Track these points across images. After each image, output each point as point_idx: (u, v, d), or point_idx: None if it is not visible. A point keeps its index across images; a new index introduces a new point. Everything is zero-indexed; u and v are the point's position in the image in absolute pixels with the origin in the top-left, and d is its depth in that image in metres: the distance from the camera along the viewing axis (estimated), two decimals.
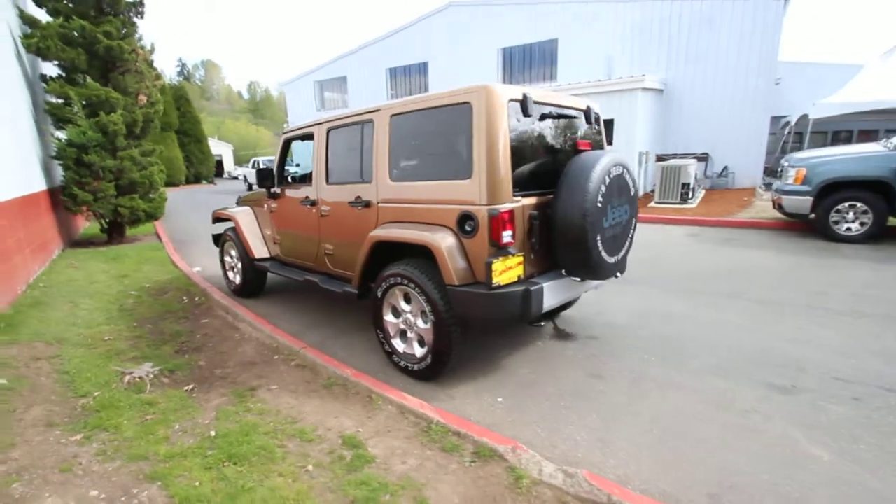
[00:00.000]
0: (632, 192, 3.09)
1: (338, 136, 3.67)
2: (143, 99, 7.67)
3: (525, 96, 2.74)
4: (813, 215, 6.68)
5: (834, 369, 3.06)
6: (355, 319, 4.32)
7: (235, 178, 40.61)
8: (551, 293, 2.83)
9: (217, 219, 5.47)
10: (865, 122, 17.97)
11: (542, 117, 2.94)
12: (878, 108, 12.32)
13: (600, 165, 2.74)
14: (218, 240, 5.49)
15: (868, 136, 21.00)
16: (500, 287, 2.62)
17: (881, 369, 3.01)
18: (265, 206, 4.70)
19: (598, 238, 2.77)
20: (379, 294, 3.19)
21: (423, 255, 3.06)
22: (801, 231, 7.29)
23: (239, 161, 47.22)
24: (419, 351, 3.07)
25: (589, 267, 2.82)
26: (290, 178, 4.64)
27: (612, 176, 2.83)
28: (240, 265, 5.01)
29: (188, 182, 27.60)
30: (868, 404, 2.66)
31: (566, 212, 2.71)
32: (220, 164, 40.37)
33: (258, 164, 22.62)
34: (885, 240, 6.40)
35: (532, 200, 2.81)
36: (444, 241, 2.72)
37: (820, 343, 3.45)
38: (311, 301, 4.94)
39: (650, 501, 1.90)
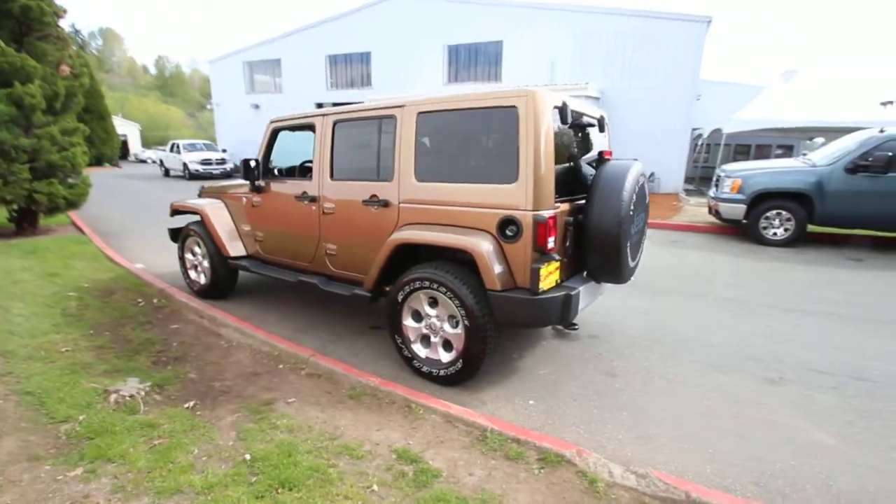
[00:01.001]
0: (647, 200, 3.26)
1: (348, 130, 3.45)
2: (65, 69, 6.65)
3: (564, 104, 2.77)
4: (745, 221, 7.48)
5: (807, 362, 3.47)
6: (351, 322, 4.12)
7: (144, 161, 36.74)
8: (583, 297, 2.90)
9: (176, 211, 4.92)
10: (762, 137, 20.51)
11: (571, 125, 2.99)
12: (779, 127, 14.12)
13: (631, 174, 2.85)
14: (176, 235, 4.93)
15: (762, 150, 24.03)
16: (543, 292, 2.63)
17: (846, 361, 3.46)
18: (243, 199, 4.30)
19: (628, 244, 2.88)
20: (400, 298, 3.06)
21: (452, 259, 2.99)
22: (733, 235, 8.15)
23: (147, 142, 42.70)
24: (445, 356, 3.00)
25: (617, 272, 2.93)
26: (276, 171, 4.29)
27: (639, 184, 2.96)
28: (207, 264, 4.54)
29: (89, 165, 24.50)
30: (846, 392, 3.04)
31: (602, 218, 2.78)
32: (125, 145, 36.28)
33: (178, 147, 20.62)
34: (804, 244, 7.35)
35: (566, 206, 2.85)
36: (485, 246, 2.67)
37: (787, 338, 3.89)
38: (291, 302, 4.62)
39: (724, 496, 2.02)
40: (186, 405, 2.73)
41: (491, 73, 18.42)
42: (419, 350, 3.12)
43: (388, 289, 3.33)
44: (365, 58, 20.51)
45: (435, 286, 2.88)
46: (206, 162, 19.70)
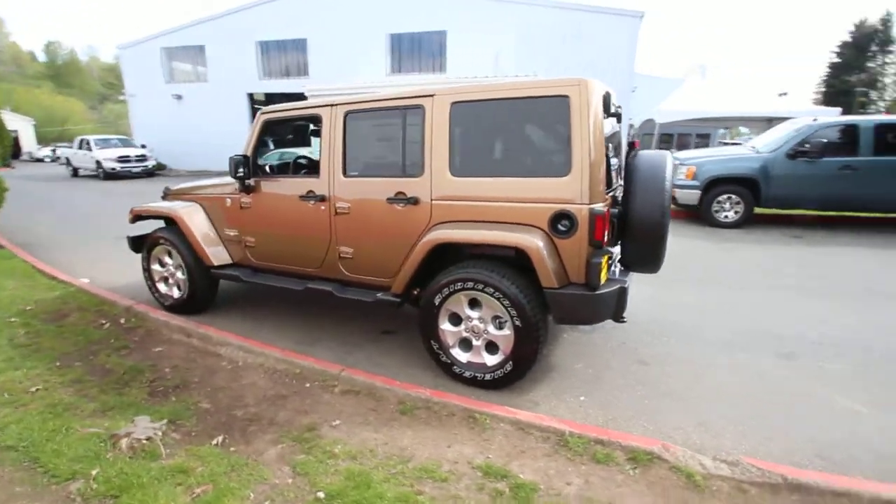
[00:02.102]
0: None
1: (363, 122, 3.16)
2: None
3: (608, 93, 2.71)
4: (699, 206, 8.00)
5: (805, 335, 3.73)
6: (358, 330, 3.83)
7: (40, 159, 32.43)
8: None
9: (139, 217, 4.31)
10: (683, 127, 22.16)
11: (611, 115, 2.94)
12: (701, 117, 15.33)
13: (668, 164, 2.87)
14: (139, 244, 4.33)
15: (682, 139, 25.99)
16: (601, 287, 2.58)
17: (837, 333, 3.76)
18: (227, 201, 3.84)
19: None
20: (437, 301, 2.88)
21: (489, 258, 2.85)
22: (687, 218, 8.70)
23: (44, 139, 37.72)
24: (491, 359, 2.86)
25: (656, 262, 2.95)
26: (267, 168, 3.86)
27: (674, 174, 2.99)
28: (182, 275, 4.03)
29: None
30: (850, 361, 3.30)
31: (647, 209, 2.77)
32: (16, 142, 31.81)
33: (88, 143, 18.38)
34: (751, 225, 7.99)
35: (609, 198, 2.81)
36: (539, 243, 2.56)
37: (777, 314, 4.17)
38: (281, 312, 4.22)
39: (817, 474, 2.07)
40: (214, 441, 2.37)
41: (435, 63, 18.24)
42: (459, 355, 2.95)
43: (416, 292, 3.13)
44: (300, 45, 19.45)
45: (480, 287, 2.72)
46: (123, 159, 17.73)
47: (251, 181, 3.63)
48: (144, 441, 2.27)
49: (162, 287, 4.26)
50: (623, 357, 3.39)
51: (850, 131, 7.19)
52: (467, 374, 2.91)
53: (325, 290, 3.37)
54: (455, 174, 2.83)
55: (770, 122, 17.18)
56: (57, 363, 3.16)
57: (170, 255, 4.14)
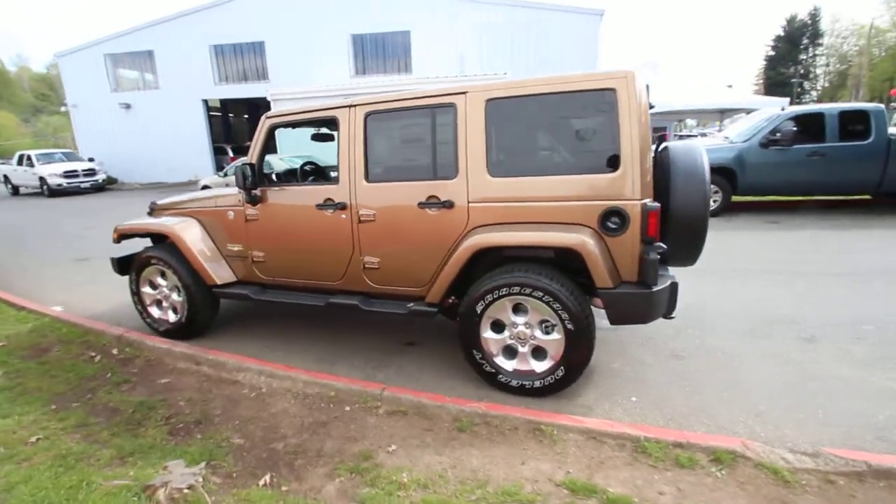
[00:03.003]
0: None
1: (386, 123, 2.97)
2: None
3: (647, 86, 2.65)
4: None
5: (817, 318, 3.82)
6: (379, 343, 3.63)
7: None
8: None
9: (124, 236, 3.93)
10: None
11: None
12: (655, 112, 15.85)
13: (705, 155, 2.84)
14: (125, 266, 3.94)
15: None
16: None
17: (845, 313, 3.87)
18: (229, 214, 3.54)
19: None
20: (479, 309, 2.74)
21: (530, 259, 2.74)
22: None
23: None
24: (539, 366, 2.75)
25: (695, 255, 2.92)
26: (274, 176, 3.59)
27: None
28: (180, 296, 3.70)
29: None
30: (871, 341, 3.41)
31: (689, 203, 2.72)
32: None
33: (29, 159, 17.00)
34: (729, 213, 8.27)
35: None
36: (592, 242, 2.47)
37: (782, 299, 4.27)
38: (288, 328, 3.96)
39: (892, 458, 2.07)
40: (261, 482, 2.13)
41: (401, 64, 18.02)
42: (504, 363, 2.82)
43: (451, 300, 2.98)
44: (258, 48, 18.75)
45: (528, 291, 2.60)
46: (70, 174, 16.49)
47: (257, 191, 3.36)
48: (186, 490, 2.01)
49: (155, 311, 3.90)
50: (655, 352, 3.35)
51: (816, 119, 7.56)
52: (514, 382, 2.78)
53: (350, 304, 3.15)
54: (493, 174, 2.69)
55: (722, 113, 18.07)
56: (52, 406, 2.80)
57: (163, 275, 3.79)
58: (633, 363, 3.21)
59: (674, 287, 2.60)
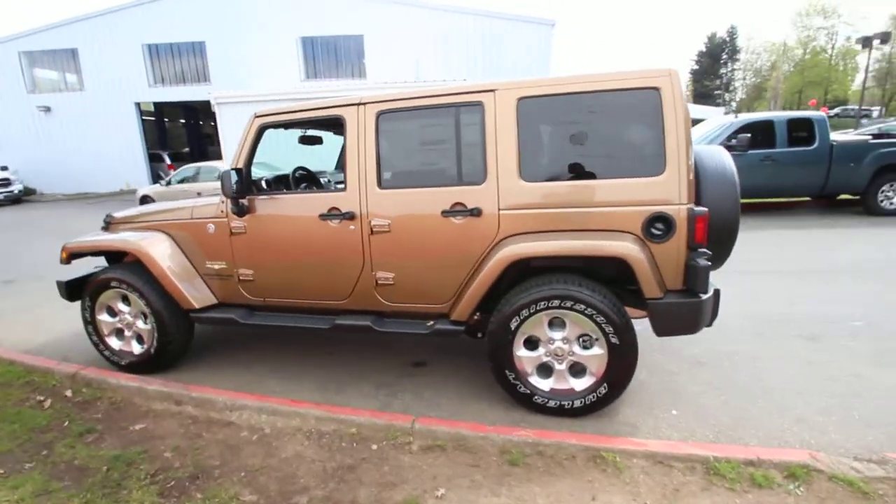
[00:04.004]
0: None
1: (401, 122, 2.68)
2: None
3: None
4: None
5: (811, 317, 3.93)
6: (384, 365, 3.30)
7: None
8: None
9: (74, 255, 3.34)
10: None
11: None
12: None
13: (730, 159, 2.79)
14: (76, 291, 3.35)
15: None
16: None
17: (836, 310, 4.02)
18: (209, 227, 3.08)
19: None
20: (513, 325, 2.51)
21: (560, 270, 2.56)
22: None
23: None
24: (579, 384, 2.55)
25: (725, 258, 2.86)
26: (264, 183, 3.17)
27: None
28: (147, 324, 3.18)
29: None
30: (866, 336, 3.52)
31: (723, 206, 2.64)
32: None
33: None
34: None
35: None
36: (639, 250, 2.32)
37: (771, 298, 4.39)
38: (272, 352, 3.54)
39: None
40: None
41: (354, 69, 17.56)
42: (539, 383, 2.61)
43: (476, 317, 2.73)
44: (198, 48, 17.59)
45: (569, 304, 2.41)
46: None
47: (244, 201, 2.95)
48: None
49: (114, 342, 3.34)
50: (675, 359, 3.28)
51: (767, 126, 8.04)
52: (552, 403, 2.57)
53: (361, 325, 2.82)
54: (526, 179, 2.48)
55: None
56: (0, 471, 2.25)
57: (125, 300, 3.25)
58: (659, 372, 3.10)
59: (717, 294, 2.51)
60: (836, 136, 8.16)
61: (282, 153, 4.83)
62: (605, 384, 2.49)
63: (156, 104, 20.65)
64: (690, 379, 3.01)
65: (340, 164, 2.94)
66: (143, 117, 18.98)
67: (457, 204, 2.57)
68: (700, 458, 2.11)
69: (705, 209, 2.35)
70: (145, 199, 11.08)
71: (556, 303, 2.43)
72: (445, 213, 2.58)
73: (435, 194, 2.62)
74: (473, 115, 2.53)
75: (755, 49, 52.87)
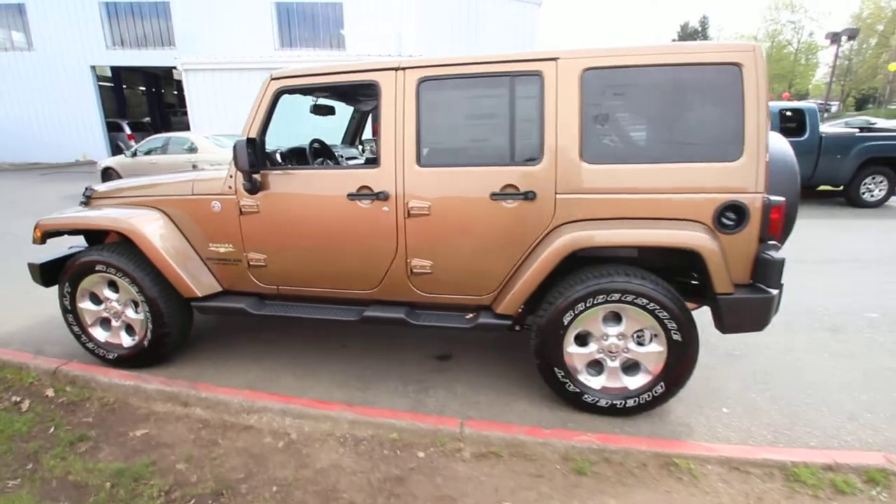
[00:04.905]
0: None
1: (446, 91, 2.38)
2: None
3: None
4: None
5: (827, 308, 3.91)
6: (404, 359, 3.06)
7: None
8: None
9: (50, 234, 2.90)
10: None
11: None
12: None
13: (789, 144, 2.65)
14: (52, 275, 2.93)
15: None
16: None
17: (849, 300, 4.02)
18: (215, 204, 2.71)
19: None
20: (566, 320, 2.31)
21: (611, 260, 2.38)
22: None
23: None
24: (633, 382, 2.39)
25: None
26: (279, 157, 2.80)
27: None
28: (132, 313, 2.83)
29: None
30: (885, 328, 3.52)
31: (784, 193, 2.49)
32: None
33: None
34: None
35: None
36: (711, 241, 2.14)
37: (787, 289, 4.37)
38: (283, 346, 3.23)
39: None
40: None
41: (332, 40, 16.71)
42: (589, 381, 2.43)
43: (520, 310, 2.51)
44: (161, 9, 16.29)
45: (630, 298, 2.22)
46: None
47: (257, 175, 2.59)
48: None
49: (99, 333, 2.95)
50: (709, 353, 3.15)
51: None
52: (603, 402, 2.40)
53: (394, 318, 2.55)
54: (589, 160, 2.25)
55: None
56: None
57: (112, 286, 2.85)
58: (697, 367, 2.97)
59: (780, 289, 2.38)
60: (825, 129, 8.29)
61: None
62: (661, 383, 2.33)
63: (114, 69, 19.09)
64: (730, 374, 2.91)
65: (351, 138, 2.62)
66: (100, 83, 17.53)
67: (508, 186, 2.31)
68: (777, 464, 1.99)
69: (782, 199, 2.19)
70: (108, 172, 10.21)
71: (617, 296, 2.24)
72: (495, 196, 2.32)
73: (483, 175, 2.35)
74: (531, 86, 2.26)
75: (725, 40, 53.97)
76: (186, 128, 15.23)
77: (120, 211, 2.84)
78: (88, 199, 3.06)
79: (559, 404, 2.52)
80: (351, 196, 2.48)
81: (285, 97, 2.63)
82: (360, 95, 3.38)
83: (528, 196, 2.29)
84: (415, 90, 2.36)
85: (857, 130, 8.25)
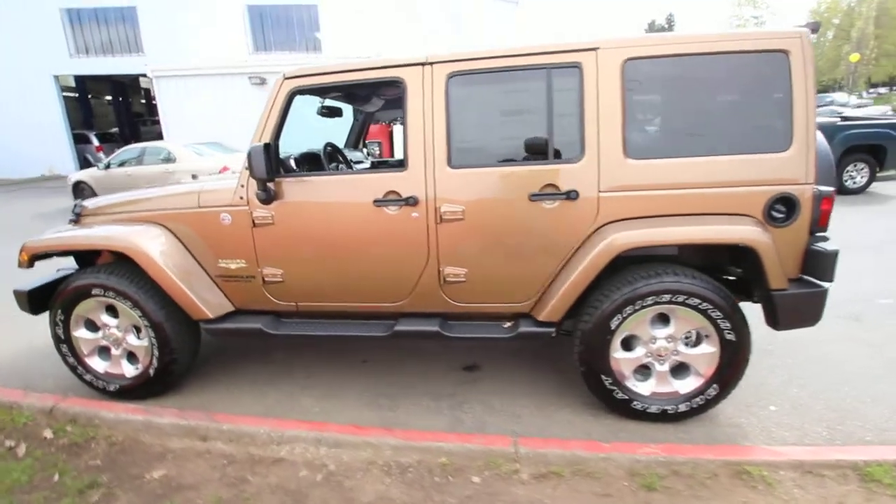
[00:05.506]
0: None
1: (479, 86, 2.24)
2: None
3: None
4: None
5: (840, 294, 3.85)
6: (428, 368, 2.91)
7: None
8: None
9: (37, 256, 2.63)
10: None
11: None
12: None
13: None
14: (42, 301, 2.66)
15: None
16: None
17: (858, 287, 3.99)
18: (224, 217, 2.49)
19: None
20: (613, 325, 2.19)
21: (653, 259, 2.29)
22: None
23: None
24: (684, 385, 2.29)
25: None
26: (293, 163, 2.60)
27: None
28: (134, 340, 2.60)
29: None
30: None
31: (822, 182, 2.45)
32: None
33: None
34: None
35: None
36: (766, 236, 2.05)
37: None
38: (286, 362, 3.03)
39: None
40: None
41: (308, 43, 16.36)
42: (637, 387, 2.32)
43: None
44: (128, 14, 15.66)
45: (681, 299, 2.12)
46: None
47: (271, 184, 2.39)
48: None
49: (97, 363, 2.70)
50: None
51: None
52: (653, 408, 2.29)
53: (428, 331, 2.38)
54: (632, 156, 2.13)
55: None
56: None
57: (111, 311, 2.61)
58: None
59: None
60: None
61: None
62: (714, 385, 2.24)
63: (78, 78, 18.26)
64: (766, 369, 2.84)
65: (355, 140, 2.45)
66: (64, 93, 16.74)
67: (548, 185, 2.18)
68: (849, 464, 1.91)
69: (832, 189, 2.12)
70: (80, 187, 9.70)
71: (667, 298, 2.13)
72: (534, 197, 2.19)
73: (520, 174, 2.21)
74: (569, 78, 2.14)
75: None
76: (156, 137, 14.68)
77: (116, 228, 2.60)
78: (78, 217, 2.80)
79: (603, 412, 2.41)
80: (377, 202, 2.30)
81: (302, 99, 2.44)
82: (379, 95, 3.20)
83: (571, 195, 2.16)
84: (444, 86, 2.21)
85: (839, 119, 8.44)
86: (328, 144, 2.97)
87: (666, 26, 56.45)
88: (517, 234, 2.25)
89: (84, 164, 15.89)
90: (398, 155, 12.19)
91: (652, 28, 56.59)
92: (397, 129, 12.25)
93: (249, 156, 2.21)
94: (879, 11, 32.01)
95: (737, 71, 2.08)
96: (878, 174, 8.36)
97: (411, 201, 2.27)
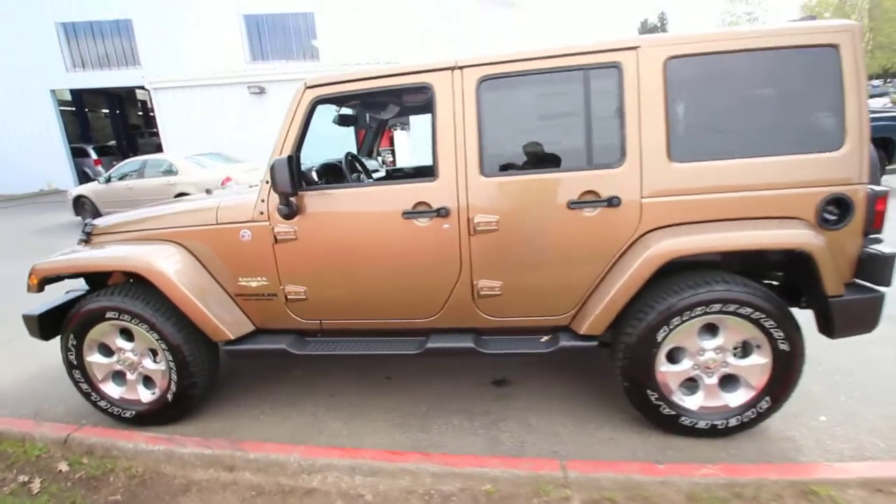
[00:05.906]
0: None
1: (511, 90, 2.13)
2: None
3: None
4: None
5: None
6: (455, 383, 2.79)
7: None
8: None
9: (48, 279, 2.51)
10: None
11: None
12: None
13: None
14: (54, 325, 2.54)
15: None
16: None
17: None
18: (244, 233, 2.38)
19: None
20: (659, 337, 2.08)
21: (703, 265, 2.18)
22: None
23: None
24: (734, 398, 2.17)
25: None
26: (315, 175, 2.49)
27: None
28: (151, 363, 2.48)
29: None
30: None
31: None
32: None
33: None
34: None
35: None
36: (820, 239, 1.95)
37: None
38: (307, 382, 2.91)
39: None
40: None
41: (305, 51, 16.29)
42: (685, 402, 2.20)
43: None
44: (123, 27, 15.57)
45: (732, 308, 2.01)
46: None
47: (293, 198, 2.28)
48: None
49: (111, 389, 2.57)
50: None
51: None
52: (702, 423, 2.18)
53: (462, 347, 2.27)
54: (676, 159, 2.03)
55: None
56: None
57: (126, 334, 2.49)
58: None
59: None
60: None
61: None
62: (767, 397, 2.13)
63: (74, 92, 18.16)
64: (808, 374, 2.63)
65: (369, 149, 2.34)
66: (61, 107, 16.63)
67: (587, 192, 2.07)
68: None
69: (886, 189, 2.02)
70: (80, 201, 9.57)
71: (717, 307, 2.02)
72: (573, 205, 2.08)
73: (557, 182, 2.11)
74: (608, 79, 2.03)
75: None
76: (154, 149, 14.56)
77: (130, 248, 2.48)
78: (89, 237, 2.68)
79: (647, 428, 2.29)
80: (406, 214, 2.19)
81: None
82: (404, 103, 3.09)
83: (612, 202, 2.05)
84: (474, 91, 2.10)
85: None
86: (349, 154, 2.86)
87: (658, 25, 56.68)
88: (555, 245, 2.14)
89: (82, 177, 15.77)
90: (400, 163, 12.12)
91: (644, 27, 56.79)
92: (398, 135, 12.18)
93: (273, 169, 2.10)
94: (872, 4, 32.19)
95: (784, 67, 1.98)
96: (888, 167, 8.28)
97: (442, 212, 2.16)
